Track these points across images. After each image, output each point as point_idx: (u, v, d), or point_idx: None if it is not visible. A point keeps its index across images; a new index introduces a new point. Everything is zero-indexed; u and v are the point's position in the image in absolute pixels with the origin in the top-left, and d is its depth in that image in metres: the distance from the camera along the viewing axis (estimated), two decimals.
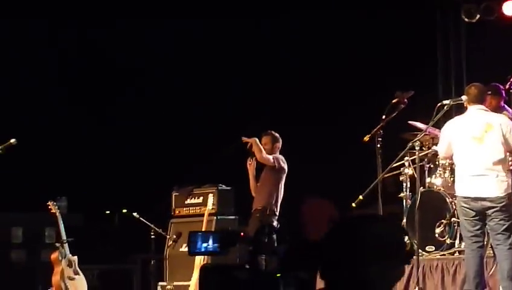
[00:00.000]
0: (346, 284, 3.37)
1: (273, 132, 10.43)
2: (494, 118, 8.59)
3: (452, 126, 8.78)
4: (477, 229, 8.42)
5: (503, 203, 8.32)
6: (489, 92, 9.28)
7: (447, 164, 9.62)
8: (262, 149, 9.93)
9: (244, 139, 9.77)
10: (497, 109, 9.18)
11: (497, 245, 8.37)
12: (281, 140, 10.30)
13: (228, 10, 12.95)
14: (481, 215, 8.40)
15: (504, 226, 8.36)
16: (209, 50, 13.14)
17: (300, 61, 13.11)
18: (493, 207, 8.34)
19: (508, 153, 8.68)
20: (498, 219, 8.36)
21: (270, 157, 9.92)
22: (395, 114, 9.36)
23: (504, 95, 9.42)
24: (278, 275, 3.52)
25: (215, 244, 4.24)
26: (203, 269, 4.26)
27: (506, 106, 9.88)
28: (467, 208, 8.44)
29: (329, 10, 12.82)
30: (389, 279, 3.45)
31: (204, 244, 4.06)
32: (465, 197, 8.50)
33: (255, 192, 10.17)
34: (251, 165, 10.14)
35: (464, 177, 8.55)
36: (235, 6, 12.92)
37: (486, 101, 8.83)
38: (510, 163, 8.82)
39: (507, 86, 9.58)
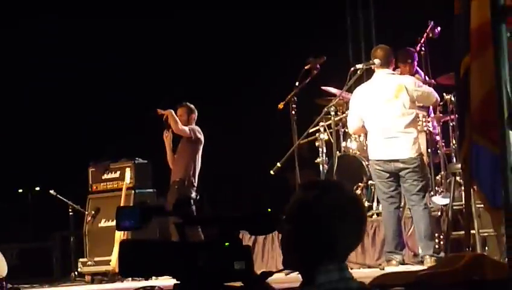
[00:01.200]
0: (311, 250, 3.31)
1: (188, 103, 10.36)
2: (402, 79, 8.62)
3: (361, 94, 8.80)
4: (393, 191, 8.46)
5: (416, 164, 8.37)
6: (401, 59, 9.34)
7: None
8: (178, 120, 9.83)
9: (159, 111, 9.70)
10: (411, 73, 9.25)
11: (412, 206, 8.43)
12: (196, 111, 10.21)
13: None
14: (395, 177, 8.44)
15: (418, 187, 8.39)
16: (123, 28, 12.88)
17: (213, 32, 12.86)
18: (406, 168, 8.36)
19: (419, 114, 8.75)
20: (412, 180, 8.39)
21: (186, 128, 9.87)
22: (308, 80, 9.19)
23: (416, 58, 9.43)
24: (227, 244, 3.36)
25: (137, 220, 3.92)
26: (122, 244, 3.91)
27: (418, 69, 9.91)
28: (381, 170, 8.48)
29: None
30: (352, 240, 3.40)
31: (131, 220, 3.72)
32: (378, 160, 8.54)
33: (173, 164, 10.10)
34: (167, 137, 10.03)
35: (376, 140, 8.54)
36: None
37: (392, 62, 8.83)
38: (421, 124, 8.88)
39: (417, 48, 9.55)
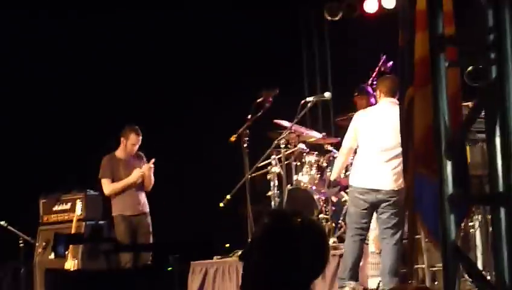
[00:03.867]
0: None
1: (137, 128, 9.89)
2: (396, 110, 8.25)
3: (359, 122, 8.44)
4: (365, 223, 8.24)
5: (396, 198, 8.06)
6: (356, 93, 9.17)
7: (313, 161, 9.34)
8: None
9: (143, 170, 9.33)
10: (367, 106, 8.93)
11: (383, 239, 8.20)
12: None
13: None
14: (372, 209, 8.19)
15: (394, 221, 8.08)
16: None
17: (166, 60, 12.25)
18: (386, 201, 8.09)
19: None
20: (389, 213, 8.12)
21: (152, 180, 9.77)
22: (260, 113, 9.19)
23: (371, 92, 9.10)
24: (170, 268, 3.51)
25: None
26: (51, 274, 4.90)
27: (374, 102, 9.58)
28: (361, 199, 8.16)
29: (189, 10, 11.98)
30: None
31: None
32: (361, 188, 8.21)
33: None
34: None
35: (363, 167, 8.25)
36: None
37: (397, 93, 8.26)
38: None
39: (369, 82, 9.40)
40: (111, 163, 9.66)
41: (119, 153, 9.67)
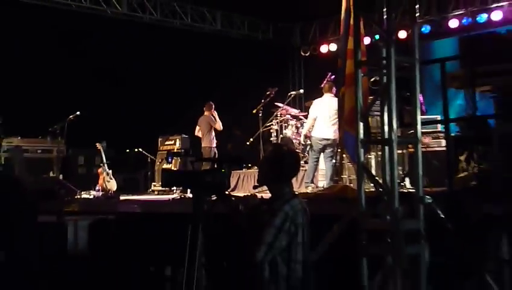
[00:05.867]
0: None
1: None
2: (335, 101, 9.42)
3: (318, 105, 10.30)
4: (318, 154, 10.15)
5: (333, 142, 9.96)
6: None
7: (293, 124, 11.90)
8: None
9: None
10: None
11: (326, 162, 10.13)
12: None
13: None
14: (323, 148, 10.10)
15: (331, 153, 10.03)
16: None
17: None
18: (329, 144, 10.07)
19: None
20: (330, 149, 10.08)
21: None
22: (268, 99, 12.18)
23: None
24: (223, 170, 3.92)
25: None
26: (163, 170, 8.20)
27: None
28: (318, 142, 10.12)
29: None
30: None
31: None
32: (318, 138, 10.14)
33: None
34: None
35: (318, 128, 10.16)
36: None
37: (332, 91, 10.08)
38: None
39: (322, 85, 10.51)
40: (203, 120, 12.45)
41: (206, 115, 12.45)
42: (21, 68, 12.16)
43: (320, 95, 10.49)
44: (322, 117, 10.14)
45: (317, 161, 10.11)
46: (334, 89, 10.16)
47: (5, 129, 10.92)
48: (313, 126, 10.33)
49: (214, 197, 3.75)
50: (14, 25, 12.14)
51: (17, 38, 12.19)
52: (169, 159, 11.26)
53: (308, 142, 10.66)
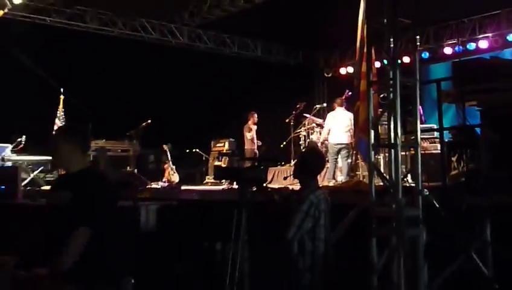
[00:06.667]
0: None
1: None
2: (346, 113, 10.09)
3: (331, 117, 10.39)
4: (336, 156, 10.07)
5: (347, 146, 10.02)
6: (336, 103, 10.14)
7: (317, 131, 11.60)
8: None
9: None
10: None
11: (342, 162, 10.05)
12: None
13: None
14: (337, 150, 10.08)
15: (346, 155, 10.02)
16: None
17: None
18: (344, 147, 10.08)
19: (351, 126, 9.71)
20: (344, 152, 10.06)
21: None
22: (298, 111, 12.10)
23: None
24: (262, 167, 3.82)
25: None
26: (216, 167, 7.53)
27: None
28: (334, 146, 10.13)
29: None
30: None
31: None
32: (334, 143, 10.15)
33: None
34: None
35: (333, 135, 10.16)
36: None
37: (343, 105, 10.05)
38: (351, 128, 9.91)
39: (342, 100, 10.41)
40: (247, 128, 12.27)
41: (250, 123, 12.23)
42: (106, 84, 12.37)
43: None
44: (336, 127, 10.05)
45: (336, 161, 10.03)
46: (345, 104, 10.17)
47: (93, 133, 10.94)
48: (328, 134, 10.28)
49: (254, 189, 3.75)
50: (106, 53, 12.51)
51: (104, 64, 12.40)
52: (220, 158, 11.41)
53: (324, 148, 10.54)
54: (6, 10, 10.90)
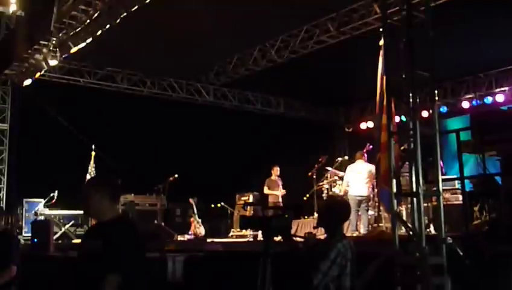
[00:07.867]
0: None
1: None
2: (365, 165, 10.06)
3: (350, 169, 10.35)
4: (357, 207, 9.82)
5: (366, 198, 9.84)
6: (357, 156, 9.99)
7: (340, 184, 11.28)
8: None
9: None
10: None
11: (362, 215, 9.88)
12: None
13: None
14: (358, 202, 9.85)
15: (366, 207, 9.63)
16: None
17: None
18: (363, 199, 9.91)
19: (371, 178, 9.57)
20: (364, 205, 9.90)
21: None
22: (320, 165, 11.89)
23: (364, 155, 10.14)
24: (286, 216, 3.53)
25: None
26: (241, 217, 7.39)
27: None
28: (354, 199, 9.86)
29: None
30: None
31: None
32: (354, 195, 9.96)
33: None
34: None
35: (353, 187, 10.06)
36: None
37: (363, 158, 10.04)
38: (370, 180, 9.80)
39: (363, 153, 10.28)
40: (269, 181, 12.18)
41: (272, 177, 12.15)
42: (135, 140, 12.60)
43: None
44: (356, 179, 9.97)
45: (357, 213, 9.86)
46: (365, 157, 10.06)
47: (122, 187, 11.11)
48: (347, 187, 10.16)
49: (279, 238, 3.59)
50: (135, 110, 12.84)
51: (133, 122, 12.72)
52: (245, 208, 11.28)
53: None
54: (42, 72, 11.49)
